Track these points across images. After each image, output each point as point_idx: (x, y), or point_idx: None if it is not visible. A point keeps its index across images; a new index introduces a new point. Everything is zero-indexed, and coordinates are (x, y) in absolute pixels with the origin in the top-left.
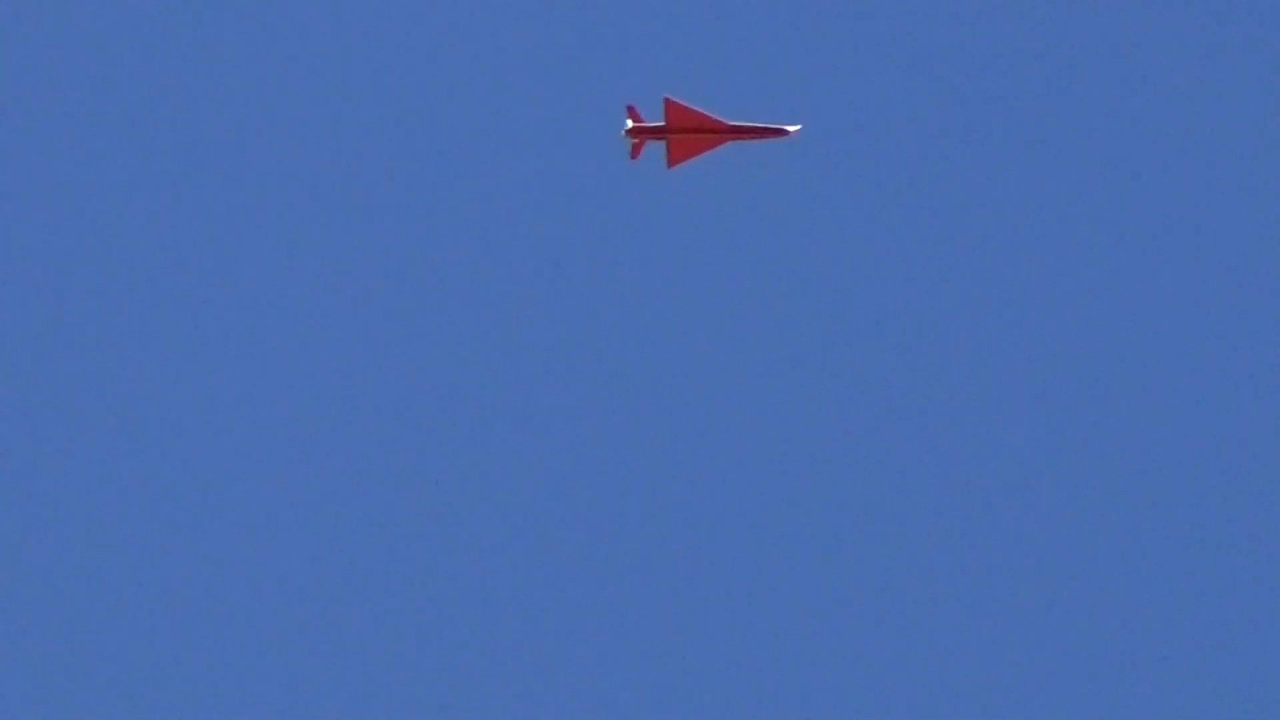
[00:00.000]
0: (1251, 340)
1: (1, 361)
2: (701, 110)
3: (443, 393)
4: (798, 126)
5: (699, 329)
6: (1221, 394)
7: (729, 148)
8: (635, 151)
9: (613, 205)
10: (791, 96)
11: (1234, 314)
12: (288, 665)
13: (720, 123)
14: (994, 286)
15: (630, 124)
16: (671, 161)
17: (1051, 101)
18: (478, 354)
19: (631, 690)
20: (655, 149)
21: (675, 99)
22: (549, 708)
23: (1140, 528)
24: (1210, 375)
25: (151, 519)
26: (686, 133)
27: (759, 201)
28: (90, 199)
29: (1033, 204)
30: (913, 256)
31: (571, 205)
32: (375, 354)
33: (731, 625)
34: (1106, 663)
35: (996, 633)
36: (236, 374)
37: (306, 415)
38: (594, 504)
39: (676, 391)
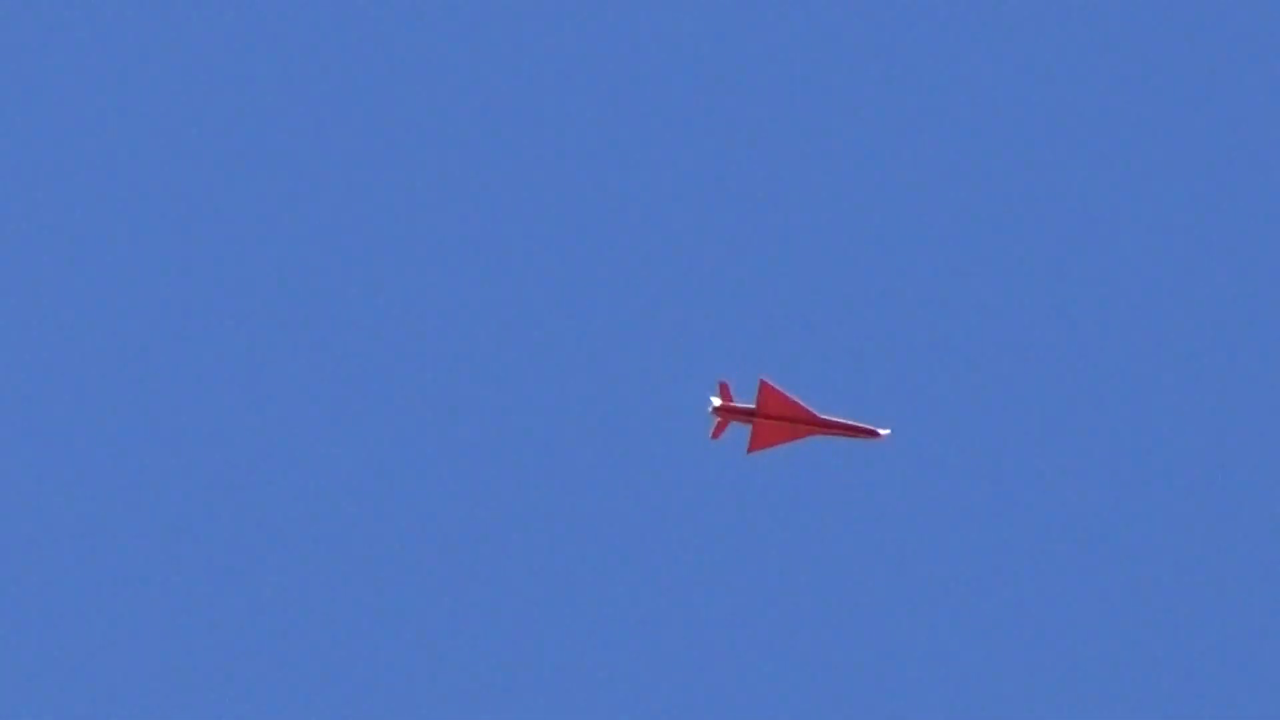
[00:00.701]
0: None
1: None
2: (795, 398)
3: None
4: (888, 431)
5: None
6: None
7: (813, 439)
8: (718, 431)
9: (688, 485)
10: (882, 399)
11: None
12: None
13: (812, 414)
14: None
15: (718, 401)
16: (753, 447)
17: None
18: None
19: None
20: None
21: (771, 382)
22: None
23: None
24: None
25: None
26: (775, 419)
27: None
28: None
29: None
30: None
31: (647, 477)
32: None
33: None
34: (1105, 663)
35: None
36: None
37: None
38: None
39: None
